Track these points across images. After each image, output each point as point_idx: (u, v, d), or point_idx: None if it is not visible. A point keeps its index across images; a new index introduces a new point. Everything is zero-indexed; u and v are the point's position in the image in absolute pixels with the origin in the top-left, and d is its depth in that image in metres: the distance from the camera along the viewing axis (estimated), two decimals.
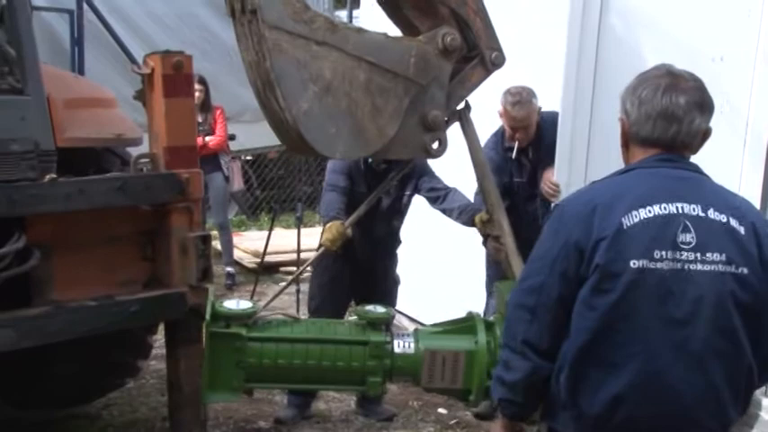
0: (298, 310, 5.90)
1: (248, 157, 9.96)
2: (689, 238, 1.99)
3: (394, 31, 3.52)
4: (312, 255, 7.40)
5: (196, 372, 3.64)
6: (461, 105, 3.60)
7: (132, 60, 7.45)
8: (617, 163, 2.52)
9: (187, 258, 3.55)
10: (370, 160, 4.30)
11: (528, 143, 4.55)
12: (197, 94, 6.61)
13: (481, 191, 3.80)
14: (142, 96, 3.63)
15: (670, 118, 2.07)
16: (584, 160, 4.20)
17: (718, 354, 2.01)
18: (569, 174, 4.17)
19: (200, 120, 6.73)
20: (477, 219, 4.07)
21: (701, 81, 2.14)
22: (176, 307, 3.56)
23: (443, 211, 4.47)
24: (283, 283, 7.14)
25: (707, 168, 3.98)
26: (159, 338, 4.30)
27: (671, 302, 1.99)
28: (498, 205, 3.71)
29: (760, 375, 2.13)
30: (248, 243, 8.12)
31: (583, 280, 2.06)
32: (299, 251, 6.29)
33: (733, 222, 2.02)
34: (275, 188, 9.81)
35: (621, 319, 2.01)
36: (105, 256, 3.56)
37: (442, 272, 5.54)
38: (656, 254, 1.98)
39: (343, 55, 3.08)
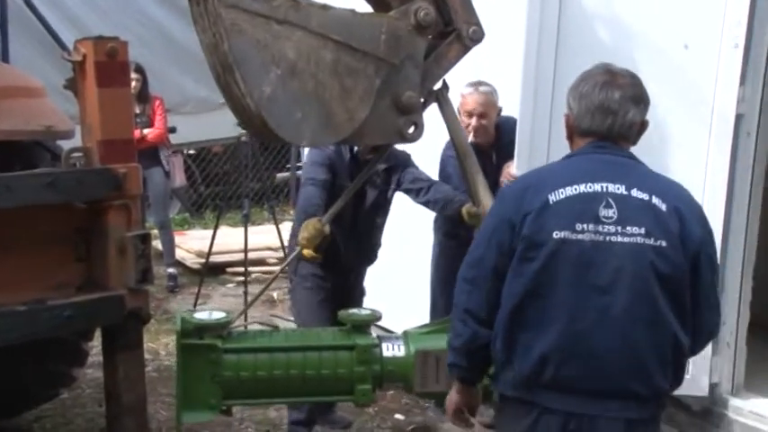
0: (246, 318, 5.85)
1: (191, 152, 9.87)
2: (611, 213, 2.27)
3: (362, 7, 3.42)
4: (265, 254, 7.43)
5: (136, 379, 3.59)
6: (438, 85, 3.52)
7: (62, 46, 7.32)
8: None
9: (125, 259, 3.48)
10: (355, 150, 4.21)
11: (489, 145, 4.58)
12: (133, 83, 6.53)
13: (463, 173, 3.70)
14: (73, 85, 3.55)
15: (606, 111, 2.37)
16: (545, 154, 4.24)
17: (640, 321, 2.27)
18: (529, 168, 4.20)
19: (137, 111, 6.65)
20: (464, 211, 4.04)
21: (637, 78, 2.46)
22: (114, 311, 3.49)
23: (426, 204, 4.43)
24: (231, 285, 7.17)
25: (674, 155, 4.10)
26: (96, 345, 4.23)
27: (593, 271, 2.27)
28: (483, 186, 3.60)
29: (692, 346, 2.41)
30: (192, 242, 8.04)
31: (514, 252, 2.36)
32: (246, 251, 6.25)
33: (655, 200, 2.29)
34: (220, 184, 9.71)
35: (545, 284, 2.30)
36: (36, 258, 3.48)
37: (406, 281, 5.50)
38: (578, 226, 2.27)
39: (307, 34, 3.01)
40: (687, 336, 2.34)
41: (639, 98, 2.41)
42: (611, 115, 2.37)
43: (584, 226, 2.26)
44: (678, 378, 2.40)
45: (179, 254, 7.53)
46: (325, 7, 3.09)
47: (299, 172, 8.84)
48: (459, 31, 3.41)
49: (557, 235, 2.28)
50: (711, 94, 4.07)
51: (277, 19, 2.95)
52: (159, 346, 5.67)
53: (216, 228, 6.56)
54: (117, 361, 3.58)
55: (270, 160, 9.98)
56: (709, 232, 2.39)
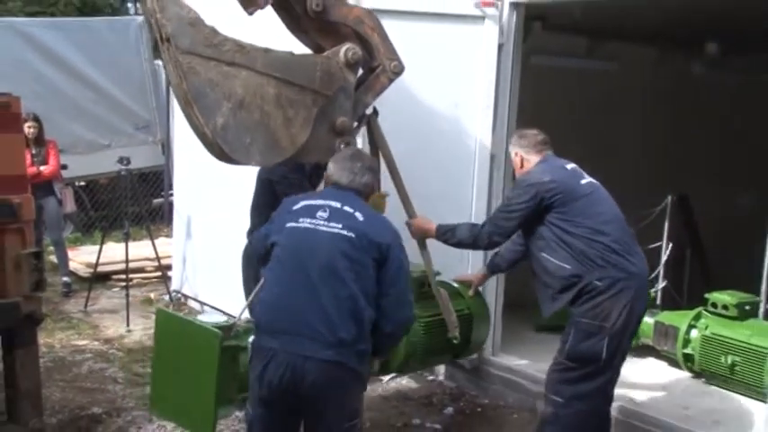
0: (128, 321, 5.71)
1: (81, 183, 9.43)
2: (324, 215, 2.73)
3: (300, 49, 3.34)
4: (143, 263, 7.16)
5: (31, 370, 3.49)
6: (369, 111, 3.46)
7: None
8: None
9: (20, 272, 3.37)
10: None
11: None
12: (31, 129, 6.27)
13: (396, 186, 3.56)
14: None
15: (350, 171, 2.86)
16: None
17: (326, 284, 2.62)
18: None
19: (34, 152, 6.31)
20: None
21: (371, 158, 3.10)
22: (11, 314, 3.36)
23: None
24: (116, 289, 6.85)
25: (452, 182, 4.24)
26: None
27: (305, 247, 2.69)
28: (407, 197, 3.54)
29: (385, 325, 2.68)
30: (84, 256, 7.65)
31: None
32: (126, 261, 6.11)
33: (357, 214, 2.74)
34: (106, 209, 9.33)
35: (282, 255, 2.71)
36: None
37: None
38: (301, 220, 2.74)
39: (252, 73, 2.94)
40: (370, 307, 2.63)
41: (371, 168, 2.94)
42: (353, 174, 2.86)
43: (305, 219, 2.73)
44: (358, 332, 2.61)
45: (72, 265, 7.18)
46: (267, 50, 3.03)
47: (171, 198, 8.62)
48: (383, 66, 3.35)
49: (288, 225, 2.74)
50: (475, 140, 4.38)
51: (226, 61, 2.89)
52: (54, 341, 5.40)
53: (102, 243, 6.38)
54: (15, 355, 3.46)
55: (147, 188, 9.67)
56: (398, 243, 2.76)
